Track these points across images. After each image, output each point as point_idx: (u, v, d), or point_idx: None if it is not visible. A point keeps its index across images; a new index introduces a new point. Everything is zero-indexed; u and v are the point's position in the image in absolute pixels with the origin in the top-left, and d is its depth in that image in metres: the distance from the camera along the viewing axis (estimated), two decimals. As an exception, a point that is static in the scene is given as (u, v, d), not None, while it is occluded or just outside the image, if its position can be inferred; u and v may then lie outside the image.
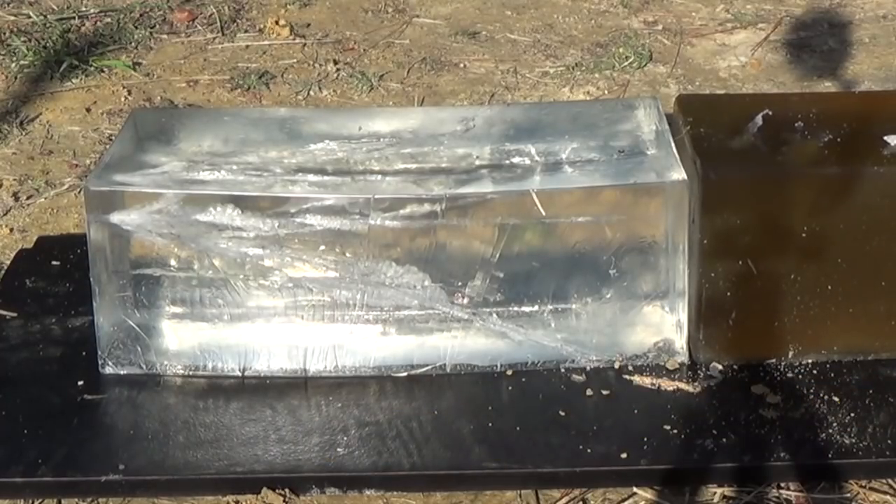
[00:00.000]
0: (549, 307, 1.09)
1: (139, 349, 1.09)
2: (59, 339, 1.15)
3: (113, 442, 1.03)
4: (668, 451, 1.00)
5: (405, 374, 1.09)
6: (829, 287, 1.06)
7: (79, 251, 1.23)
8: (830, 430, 1.00)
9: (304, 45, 2.15)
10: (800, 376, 1.05)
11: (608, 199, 1.07)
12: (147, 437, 1.03)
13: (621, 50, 2.09)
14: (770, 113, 1.09)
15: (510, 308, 1.09)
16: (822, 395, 1.05)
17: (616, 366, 1.09)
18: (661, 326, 1.09)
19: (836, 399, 1.04)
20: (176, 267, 1.08)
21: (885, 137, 1.05)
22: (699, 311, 1.08)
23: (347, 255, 1.06)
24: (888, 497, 0.99)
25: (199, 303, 1.09)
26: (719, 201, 1.04)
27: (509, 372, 1.09)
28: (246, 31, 2.21)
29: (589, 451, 1.00)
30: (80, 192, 1.61)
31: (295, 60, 2.09)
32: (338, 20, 2.26)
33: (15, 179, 1.68)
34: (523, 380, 1.09)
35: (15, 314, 1.19)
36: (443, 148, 1.14)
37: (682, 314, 1.09)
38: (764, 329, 1.08)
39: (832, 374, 1.07)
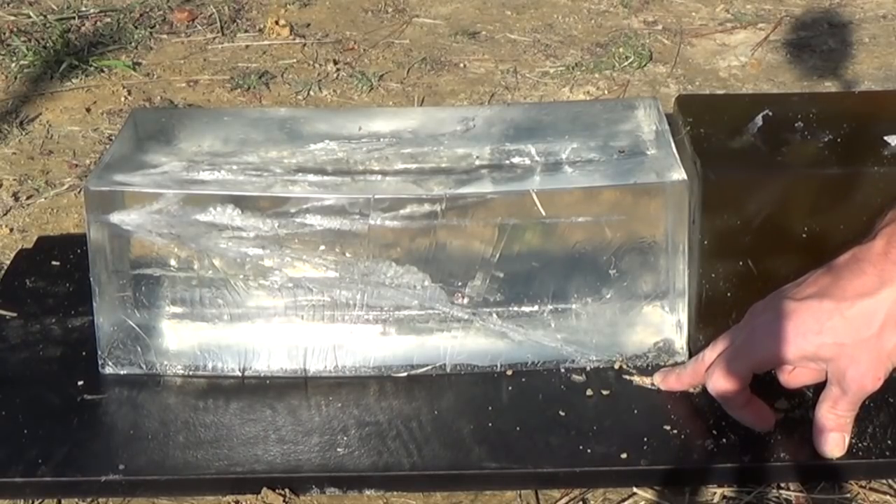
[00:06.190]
0: (549, 307, 1.09)
1: (139, 349, 1.09)
2: (59, 339, 1.15)
3: (113, 442, 1.03)
4: (668, 451, 1.00)
5: (405, 374, 1.09)
6: (829, 287, 1.06)
7: (79, 251, 1.23)
8: (831, 430, 1.00)
9: (304, 45, 2.15)
10: (800, 376, 1.05)
11: (608, 199, 1.07)
12: (147, 437, 1.02)
13: (621, 50, 2.09)
14: (770, 113, 1.09)
15: (510, 308, 1.08)
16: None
17: (616, 366, 1.09)
18: (661, 326, 1.09)
19: (836, 399, 1.04)
20: (176, 267, 1.07)
21: (885, 137, 1.05)
22: (699, 311, 1.08)
23: (347, 255, 1.06)
24: (888, 497, 0.99)
25: (199, 303, 1.09)
26: (719, 201, 1.04)
27: (509, 372, 1.09)
28: (246, 31, 2.21)
29: (589, 451, 1.00)
30: (80, 192, 1.61)
31: (295, 60, 2.09)
32: (338, 20, 2.26)
33: (15, 179, 1.68)
34: (523, 380, 1.08)
35: (15, 314, 1.19)
36: (443, 148, 1.14)
37: (682, 314, 1.09)
38: (764, 329, 1.08)
39: (832, 374, 1.07)
